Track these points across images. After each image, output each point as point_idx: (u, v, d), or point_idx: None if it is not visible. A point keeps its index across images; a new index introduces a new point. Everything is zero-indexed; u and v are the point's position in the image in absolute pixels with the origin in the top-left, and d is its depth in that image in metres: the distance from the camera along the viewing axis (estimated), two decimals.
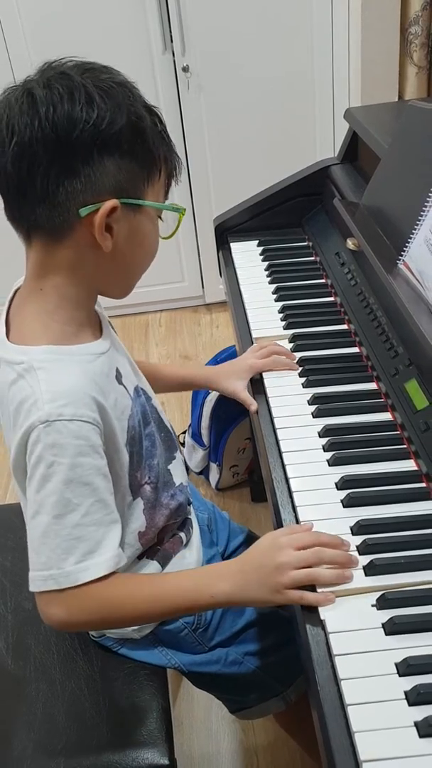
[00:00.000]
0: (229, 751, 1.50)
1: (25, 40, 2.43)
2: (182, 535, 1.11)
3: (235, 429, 1.97)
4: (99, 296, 0.95)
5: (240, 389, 1.21)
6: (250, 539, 1.31)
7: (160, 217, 0.91)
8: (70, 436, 0.82)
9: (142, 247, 0.90)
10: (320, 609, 0.80)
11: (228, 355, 1.88)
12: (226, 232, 1.66)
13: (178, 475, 1.10)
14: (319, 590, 0.82)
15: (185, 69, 2.50)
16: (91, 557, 0.83)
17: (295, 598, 0.82)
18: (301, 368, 1.19)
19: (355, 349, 1.22)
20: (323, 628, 0.78)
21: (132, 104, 0.82)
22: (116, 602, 0.86)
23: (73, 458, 0.82)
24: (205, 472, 2.11)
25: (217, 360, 1.96)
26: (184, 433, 2.13)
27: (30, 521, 0.85)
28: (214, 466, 2.05)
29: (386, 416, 1.06)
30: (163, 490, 1.05)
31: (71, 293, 0.88)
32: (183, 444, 2.13)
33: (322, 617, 0.79)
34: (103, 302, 0.98)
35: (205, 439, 2.01)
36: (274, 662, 1.10)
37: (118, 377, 0.95)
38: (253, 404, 1.18)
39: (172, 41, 2.48)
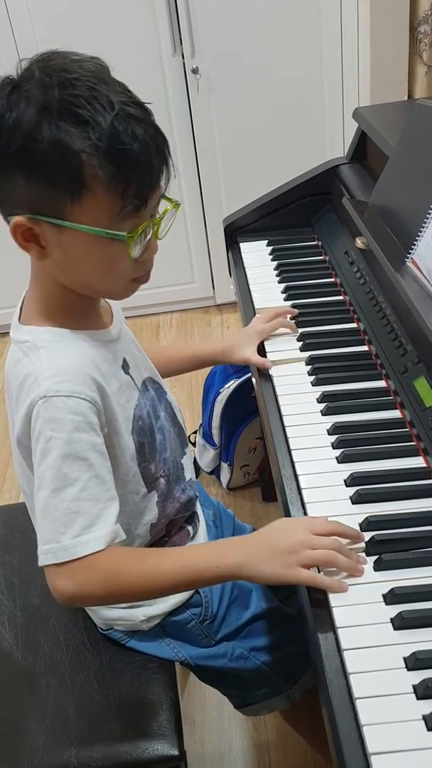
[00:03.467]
0: (240, 747, 1.51)
1: (35, 43, 2.45)
2: (189, 528, 1.13)
3: (245, 429, 1.97)
4: None
5: (251, 354, 1.23)
6: None
7: (113, 237, 0.83)
8: (68, 411, 0.84)
9: (86, 263, 0.86)
10: (331, 603, 0.80)
11: None
12: (236, 232, 1.67)
13: (188, 470, 1.12)
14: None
15: (195, 71, 2.51)
16: (89, 531, 0.83)
17: (308, 578, 0.82)
18: (310, 367, 1.19)
19: (364, 348, 1.22)
20: (332, 622, 0.79)
21: (28, 123, 0.77)
22: (122, 573, 0.86)
23: (70, 433, 0.83)
24: (216, 471, 2.11)
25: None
26: (195, 432, 2.14)
27: (35, 497, 0.86)
28: (225, 466, 2.06)
29: (395, 414, 1.07)
30: (176, 484, 1.07)
31: (54, 286, 0.90)
32: (194, 444, 2.14)
33: (330, 612, 0.79)
34: (116, 302, 0.99)
35: (216, 438, 2.02)
36: (280, 659, 1.11)
37: (125, 367, 0.97)
38: (267, 364, 1.20)
39: (181, 43, 2.49)
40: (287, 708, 1.14)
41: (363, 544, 0.86)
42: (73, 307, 0.92)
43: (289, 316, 1.31)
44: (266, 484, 2.06)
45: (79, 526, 0.83)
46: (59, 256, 0.85)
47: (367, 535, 0.87)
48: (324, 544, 0.83)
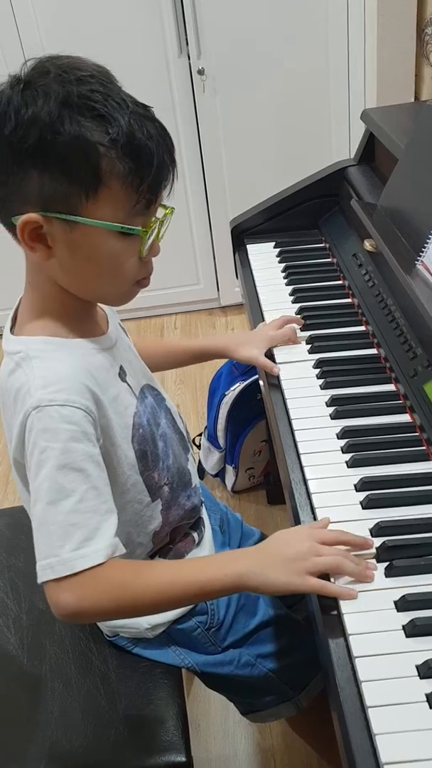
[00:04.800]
0: (245, 753, 1.50)
1: (42, 46, 2.45)
2: (194, 534, 1.11)
3: (251, 431, 1.96)
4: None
5: (257, 355, 1.22)
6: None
7: (127, 234, 0.83)
8: (62, 420, 0.82)
9: (93, 263, 0.85)
10: (342, 610, 0.79)
11: None
12: (243, 233, 1.66)
13: (193, 476, 1.11)
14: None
15: (200, 72, 2.51)
16: (88, 544, 0.81)
17: (317, 586, 0.81)
18: (319, 370, 1.18)
19: (373, 351, 1.21)
20: (343, 629, 0.78)
21: (48, 117, 0.76)
22: (126, 586, 0.84)
23: (65, 443, 0.81)
24: (221, 474, 2.10)
25: (232, 363, 1.97)
26: (200, 435, 2.13)
27: (31, 511, 0.85)
28: (230, 469, 2.05)
29: (405, 418, 1.06)
30: (181, 491, 1.05)
31: (52, 291, 0.88)
32: (199, 446, 2.13)
33: (342, 619, 0.78)
34: (112, 309, 0.98)
35: (221, 441, 2.01)
36: (287, 666, 1.10)
37: (122, 375, 0.95)
38: (275, 368, 1.19)
39: (187, 44, 2.48)
40: (294, 715, 1.14)
41: (373, 551, 0.85)
42: (69, 313, 0.90)
43: (297, 326, 1.29)
44: (271, 487, 2.05)
45: (78, 539, 0.81)
46: (66, 257, 0.84)
47: (378, 541, 0.86)
48: (330, 553, 0.82)
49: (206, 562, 0.91)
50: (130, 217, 0.82)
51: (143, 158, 0.80)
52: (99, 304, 0.98)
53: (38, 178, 0.79)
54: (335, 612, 0.80)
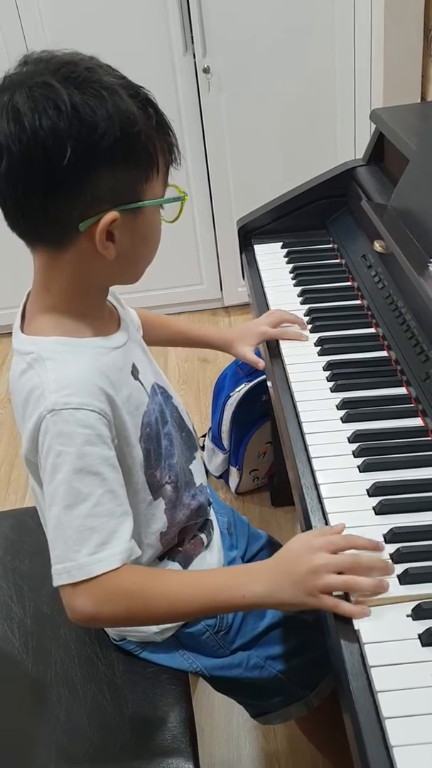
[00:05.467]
0: (250, 757, 1.48)
1: (46, 44, 2.42)
2: (203, 536, 1.10)
3: (255, 433, 1.95)
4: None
5: (246, 352, 1.26)
6: (270, 544, 1.30)
7: (177, 201, 0.89)
8: (77, 424, 0.81)
9: (146, 243, 0.88)
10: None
11: None
12: (250, 233, 1.65)
13: (199, 476, 1.09)
14: (353, 599, 0.80)
15: (206, 70, 2.49)
16: (105, 548, 0.81)
17: (330, 605, 0.80)
18: (329, 373, 1.17)
19: (384, 353, 1.20)
20: (357, 638, 0.76)
21: (122, 109, 0.77)
22: (144, 593, 0.84)
23: (81, 447, 0.81)
24: (224, 475, 2.09)
25: (237, 364, 1.95)
26: (204, 436, 2.11)
27: (46, 516, 0.84)
28: (234, 470, 2.03)
29: (417, 422, 1.04)
30: (184, 490, 1.04)
31: (78, 293, 0.87)
32: (203, 448, 2.12)
33: (356, 627, 0.77)
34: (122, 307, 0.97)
35: (226, 442, 1.99)
36: (296, 666, 1.09)
37: (134, 373, 0.94)
38: (260, 362, 1.21)
39: (193, 42, 2.47)
40: (304, 715, 1.12)
41: (387, 556, 0.84)
42: (82, 311, 0.89)
43: (297, 326, 1.29)
44: (275, 488, 2.04)
45: (95, 543, 0.80)
46: (127, 246, 0.84)
47: (392, 547, 0.84)
48: (344, 562, 0.81)
49: (224, 580, 0.89)
50: (164, 189, 0.87)
51: (169, 130, 0.84)
52: (110, 301, 0.97)
53: (110, 175, 0.79)
54: (349, 620, 0.78)
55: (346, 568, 0.81)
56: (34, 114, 0.74)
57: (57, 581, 0.81)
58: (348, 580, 0.80)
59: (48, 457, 0.81)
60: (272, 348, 1.28)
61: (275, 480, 2.03)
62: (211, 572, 1.02)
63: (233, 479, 2.05)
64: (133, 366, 0.94)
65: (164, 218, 0.89)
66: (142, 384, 0.95)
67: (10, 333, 0.93)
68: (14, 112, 0.75)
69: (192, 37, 2.46)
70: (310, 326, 1.29)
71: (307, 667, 1.10)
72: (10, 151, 0.76)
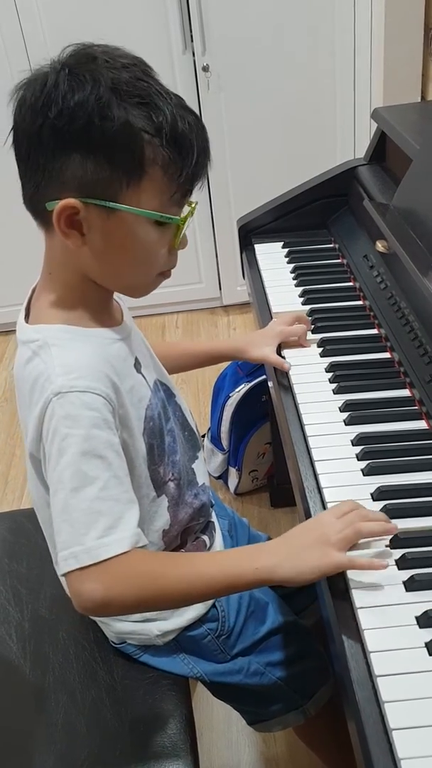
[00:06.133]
0: (249, 762, 1.47)
1: (45, 41, 2.41)
2: (205, 538, 1.09)
3: (255, 433, 1.94)
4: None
5: (269, 353, 1.21)
6: None
7: (162, 223, 0.84)
8: (84, 407, 0.80)
9: (122, 249, 0.84)
10: (362, 626, 0.76)
11: None
12: (250, 233, 1.63)
13: (201, 475, 1.09)
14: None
15: (205, 69, 2.48)
16: (113, 532, 0.79)
17: (345, 562, 0.81)
18: (331, 374, 1.15)
19: (386, 355, 1.19)
20: (363, 646, 0.75)
21: (99, 101, 0.76)
22: (156, 576, 0.82)
23: (88, 429, 0.80)
24: (224, 476, 2.08)
25: (237, 364, 1.94)
26: (204, 436, 2.10)
27: (51, 502, 0.82)
28: (233, 471, 2.02)
29: (422, 424, 1.03)
30: (187, 489, 1.04)
31: (74, 280, 0.87)
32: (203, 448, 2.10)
33: (362, 635, 0.76)
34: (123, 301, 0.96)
35: (225, 443, 1.98)
36: (296, 674, 1.08)
37: (137, 366, 0.94)
38: (285, 365, 1.18)
39: (192, 41, 2.45)
40: (301, 723, 1.11)
41: (392, 560, 0.83)
42: (88, 302, 0.88)
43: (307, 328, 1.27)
44: (275, 489, 2.02)
45: (102, 527, 0.79)
46: (99, 244, 0.82)
47: (398, 553, 0.83)
48: (350, 521, 0.83)
49: (233, 555, 0.90)
50: (166, 207, 0.83)
51: (185, 148, 0.80)
52: (113, 297, 0.96)
53: (80, 164, 0.78)
54: (354, 627, 0.77)
55: (354, 524, 0.83)
56: (27, 88, 0.79)
57: (63, 568, 0.79)
58: (354, 526, 0.82)
59: (54, 441, 0.80)
60: (285, 340, 1.25)
61: (275, 481, 2.01)
62: (222, 552, 1.03)
63: (232, 480, 2.04)
64: (136, 359, 0.94)
65: (177, 242, 0.86)
66: (144, 378, 0.95)
67: (7, 331, 0.92)
68: (42, 86, 0.78)
69: (191, 35, 2.44)
70: (312, 327, 1.27)
71: (306, 675, 1.09)
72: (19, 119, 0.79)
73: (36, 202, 0.82)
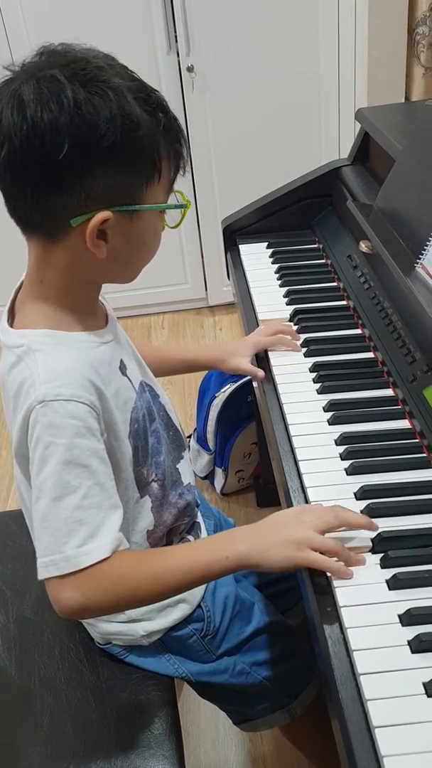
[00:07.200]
0: (236, 761, 1.47)
1: (29, 40, 2.40)
2: (191, 538, 1.10)
3: (241, 433, 1.94)
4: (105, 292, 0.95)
5: (243, 364, 1.23)
6: None
7: (178, 207, 0.88)
8: (67, 416, 0.80)
9: (143, 246, 0.87)
10: (345, 624, 0.77)
11: None
12: (235, 233, 1.64)
13: (186, 475, 1.09)
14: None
15: (190, 69, 2.48)
16: (92, 541, 0.80)
17: (318, 561, 0.82)
18: (315, 374, 1.16)
19: (370, 354, 1.19)
20: (346, 645, 0.75)
21: (126, 111, 0.76)
22: (129, 576, 0.83)
23: (70, 438, 0.80)
24: (210, 476, 2.08)
25: None
26: (189, 437, 2.10)
27: (32, 508, 0.83)
28: (219, 471, 2.02)
29: (404, 424, 1.04)
30: (171, 489, 1.04)
31: (71, 287, 0.87)
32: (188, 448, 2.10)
33: (345, 633, 0.76)
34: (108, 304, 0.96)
35: (211, 443, 1.98)
36: (281, 673, 1.09)
37: (122, 369, 0.94)
38: (259, 372, 1.20)
39: (176, 41, 2.45)
40: (288, 722, 1.12)
41: (369, 543, 0.85)
42: (77, 306, 0.88)
43: (290, 336, 1.27)
44: (261, 489, 2.03)
45: (82, 536, 0.80)
46: (121, 246, 0.83)
47: (381, 551, 0.83)
48: (327, 521, 0.84)
49: (204, 545, 0.92)
50: (169, 194, 0.86)
51: (179, 137, 0.84)
52: (99, 299, 0.96)
53: (106, 175, 0.78)
54: (338, 625, 0.78)
55: (331, 525, 0.85)
56: (37, 106, 0.74)
57: (43, 574, 0.80)
58: (337, 544, 0.83)
59: (37, 448, 0.81)
60: (259, 351, 1.27)
61: (261, 481, 2.02)
62: (193, 543, 1.04)
63: (218, 480, 2.04)
64: (121, 362, 0.94)
65: (167, 224, 0.88)
66: (130, 380, 0.95)
67: None
68: (19, 102, 0.75)
69: (176, 36, 2.44)
70: (296, 327, 1.28)
71: (291, 675, 1.09)
72: (11, 140, 0.76)
73: (55, 221, 0.80)
